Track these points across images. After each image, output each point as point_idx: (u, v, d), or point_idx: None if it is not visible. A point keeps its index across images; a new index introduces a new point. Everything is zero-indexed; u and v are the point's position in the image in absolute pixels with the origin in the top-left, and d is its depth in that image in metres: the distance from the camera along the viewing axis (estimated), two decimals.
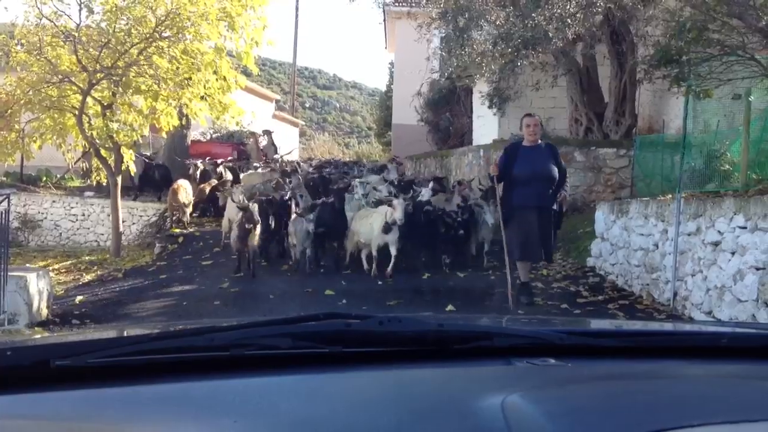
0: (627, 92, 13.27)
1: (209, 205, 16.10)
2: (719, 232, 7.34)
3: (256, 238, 10.61)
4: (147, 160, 17.41)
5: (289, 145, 26.76)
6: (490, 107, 16.80)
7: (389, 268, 10.04)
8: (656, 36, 10.44)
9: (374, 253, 10.27)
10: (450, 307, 8.14)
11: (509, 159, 8.13)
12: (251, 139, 21.26)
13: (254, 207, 10.35)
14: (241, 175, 16.42)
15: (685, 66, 7.90)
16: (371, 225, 10.20)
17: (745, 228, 6.91)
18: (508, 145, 8.89)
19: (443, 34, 17.01)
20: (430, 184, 12.46)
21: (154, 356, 1.43)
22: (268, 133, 21.61)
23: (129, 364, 1.41)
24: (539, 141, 8.28)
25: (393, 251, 10.04)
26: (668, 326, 2.38)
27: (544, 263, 9.44)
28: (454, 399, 1.25)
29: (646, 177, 10.91)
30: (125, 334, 1.87)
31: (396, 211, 9.62)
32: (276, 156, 19.96)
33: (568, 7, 11.11)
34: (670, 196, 8.86)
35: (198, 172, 16.55)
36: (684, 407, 1.17)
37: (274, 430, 1.13)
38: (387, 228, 9.81)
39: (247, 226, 10.21)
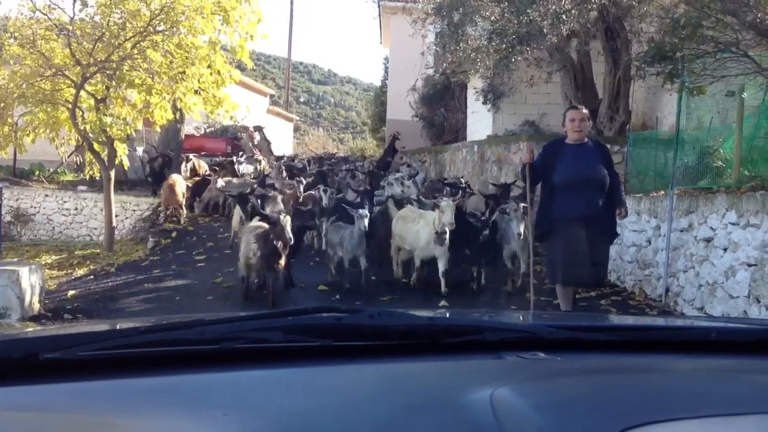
0: (621, 89, 13.28)
1: (193, 201, 16.12)
2: (711, 228, 7.37)
3: (283, 259, 8.56)
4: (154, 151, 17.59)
5: (282, 140, 26.75)
6: (484, 103, 16.81)
7: (443, 286, 8.65)
8: (650, 33, 10.47)
9: (417, 264, 9.11)
10: (443, 303, 8.16)
11: (548, 160, 6.59)
12: (245, 134, 21.25)
13: (287, 221, 8.26)
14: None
15: (678, 63, 7.91)
16: (417, 232, 8.89)
17: (737, 224, 6.94)
18: (547, 143, 7.16)
19: (438, 30, 17.01)
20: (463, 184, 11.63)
21: (143, 349, 1.43)
22: (259, 129, 21.62)
23: (118, 357, 1.41)
24: (586, 139, 6.76)
25: (442, 266, 8.68)
26: (658, 321, 2.39)
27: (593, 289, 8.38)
28: (443, 392, 1.25)
29: (639, 173, 10.91)
30: (115, 327, 1.87)
31: (444, 215, 8.25)
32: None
33: (563, 3, 11.10)
34: (663, 192, 8.88)
35: (188, 167, 16.55)
36: (672, 401, 1.17)
37: (264, 423, 1.13)
38: (439, 238, 8.41)
39: (275, 243, 8.22)
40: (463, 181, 12.85)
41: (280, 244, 8.17)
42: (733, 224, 7.02)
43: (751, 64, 7.49)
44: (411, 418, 1.14)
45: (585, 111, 6.89)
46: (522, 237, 7.99)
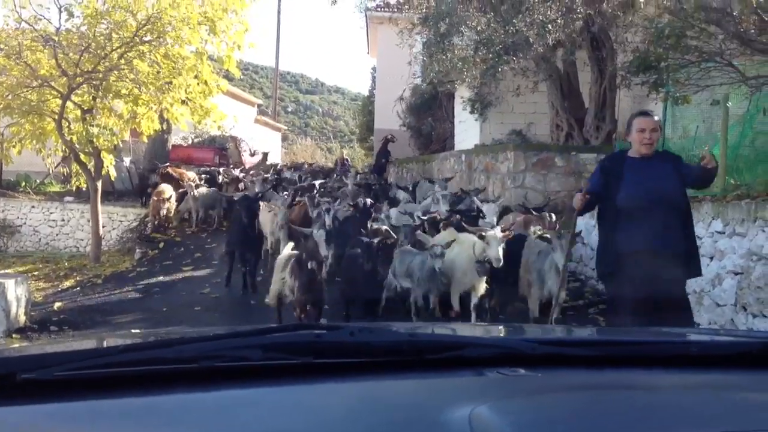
0: (607, 98, 13.34)
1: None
2: (698, 236, 7.38)
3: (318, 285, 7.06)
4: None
5: (270, 150, 26.71)
6: (471, 112, 16.84)
7: (473, 319, 7.39)
8: (635, 42, 10.52)
9: (455, 302, 7.60)
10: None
11: (608, 179, 5.32)
12: (231, 144, 21.23)
13: (320, 236, 7.27)
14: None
15: (663, 72, 7.96)
16: (453, 261, 7.36)
17: (723, 233, 6.97)
18: (604, 159, 5.89)
19: (425, 40, 17.03)
20: (499, 201, 10.28)
21: (121, 369, 1.41)
22: (234, 139, 21.71)
23: (96, 377, 1.40)
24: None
25: (476, 298, 7.44)
26: (641, 334, 2.38)
27: None
28: (423, 410, 1.24)
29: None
30: (95, 345, 1.86)
31: (491, 248, 6.87)
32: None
33: (549, 13, 11.16)
34: None
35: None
36: (652, 418, 1.17)
37: None
38: (483, 269, 7.06)
39: (310, 266, 6.66)
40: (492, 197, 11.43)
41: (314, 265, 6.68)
42: (719, 233, 7.05)
43: (736, 73, 7.54)
44: None
45: (657, 118, 5.54)
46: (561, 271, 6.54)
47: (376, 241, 7.71)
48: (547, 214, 8.97)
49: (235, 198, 10.79)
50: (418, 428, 1.16)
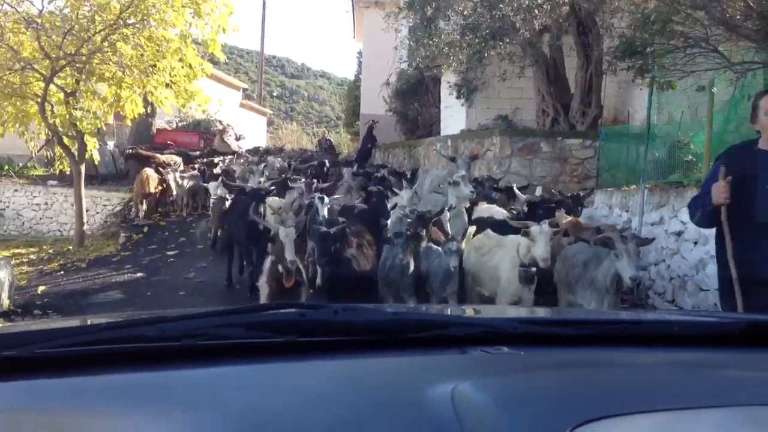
0: (593, 83, 13.36)
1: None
2: (682, 222, 7.43)
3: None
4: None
5: (256, 134, 26.60)
6: (458, 98, 16.83)
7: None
8: (622, 28, 10.51)
9: None
10: None
11: (735, 176, 4.01)
12: (218, 137, 21.17)
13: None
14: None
15: (649, 58, 7.96)
16: (495, 268, 6.30)
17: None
18: (729, 150, 4.51)
19: (411, 24, 16.98)
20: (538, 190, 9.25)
21: (103, 346, 1.40)
22: (221, 129, 21.59)
23: (78, 355, 1.38)
24: None
25: None
26: (623, 315, 2.40)
27: None
28: (406, 388, 1.24)
29: (611, 168, 11.01)
30: (76, 324, 1.84)
31: (538, 247, 5.69)
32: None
33: None
34: (635, 186, 8.96)
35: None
36: (630, 395, 1.17)
37: (224, 421, 1.11)
38: (527, 275, 5.86)
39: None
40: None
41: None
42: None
43: (721, 59, 7.55)
44: (373, 414, 1.13)
45: None
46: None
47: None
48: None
49: (246, 190, 9.23)
50: (400, 405, 1.15)
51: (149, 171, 14.98)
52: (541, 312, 2.95)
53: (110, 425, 1.12)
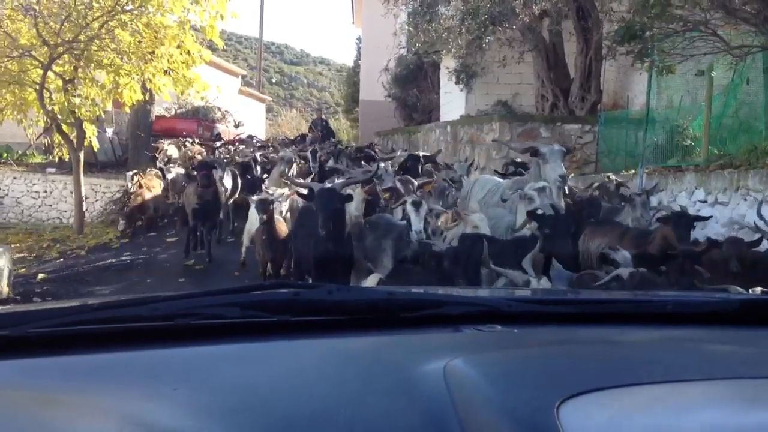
0: (592, 68, 13.34)
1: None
2: (680, 206, 7.43)
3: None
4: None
5: (255, 121, 26.53)
6: (457, 83, 16.80)
7: None
8: (621, 12, 10.49)
9: None
10: None
11: None
12: (224, 117, 21.10)
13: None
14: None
15: (648, 42, 7.95)
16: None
17: (705, 202, 7.02)
18: None
19: (410, 10, 16.94)
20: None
21: (95, 326, 1.40)
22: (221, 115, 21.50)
23: (70, 334, 1.39)
24: None
25: None
26: (618, 294, 2.40)
27: None
28: (399, 365, 1.24)
29: (610, 153, 11.01)
30: (70, 305, 1.84)
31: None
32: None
33: None
34: (633, 171, 8.95)
35: (164, 157, 15.06)
36: (619, 369, 1.18)
37: (214, 397, 1.12)
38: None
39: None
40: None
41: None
42: (701, 202, 7.10)
43: (720, 42, 7.54)
44: (364, 392, 1.14)
45: None
46: None
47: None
48: None
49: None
50: (393, 381, 1.16)
51: (153, 180, 13.91)
52: (538, 292, 2.95)
53: (100, 403, 1.12)
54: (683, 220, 5.67)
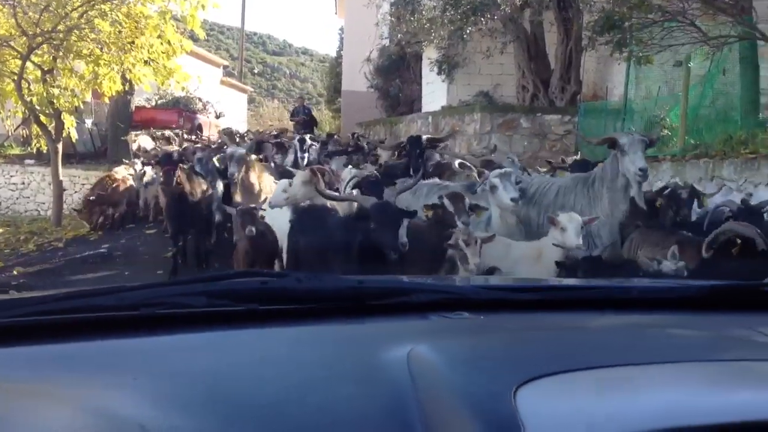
0: (573, 59, 13.39)
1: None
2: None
3: None
4: None
5: (236, 112, 26.39)
6: (439, 74, 16.81)
7: None
8: (601, 2, 10.53)
9: None
10: None
11: None
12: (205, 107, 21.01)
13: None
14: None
15: (626, 32, 7.99)
16: None
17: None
18: None
19: (392, 0, 16.92)
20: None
21: (59, 316, 1.40)
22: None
23: (34, 324, 1.38)
24: None
25: None
26: (586, 282, 2.42)
27: None
28: (364, 351, 1.25)
29: (588, 144, 11.06)
30: (36, 295, 1.83)
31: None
32: None
33: None
34: None
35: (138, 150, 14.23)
36: (580, 352, 1.19)
37: (176, 385, 1.12)
38: None
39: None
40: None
41: None
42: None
43: (698, 33, 7.58)
44: (329, 377, 1.14)
45: None
46: None
47: None
48: None
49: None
50: (358, 368, 1.16)
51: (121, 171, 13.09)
52: (510, 281, 2.97)
53: (62, 393, 1.12)
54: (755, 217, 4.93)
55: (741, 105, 7.85)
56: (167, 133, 17.04)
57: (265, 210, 6.20)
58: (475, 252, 4.64)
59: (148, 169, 11.64)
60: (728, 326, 1.51)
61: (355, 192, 6.05)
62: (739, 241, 4.18)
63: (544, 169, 8.24)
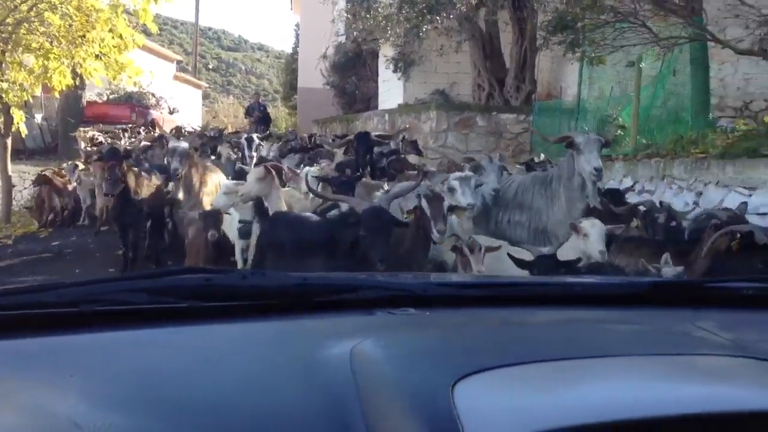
0: (527, 59, 13.52)
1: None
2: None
3: None
4: None
5: (191, 108, 26.08)
6: (395, 71, 16.84)
7: None
8: (555, 2, 10.65)
9: None
10: None
11: None
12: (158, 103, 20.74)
13: None
14: None
15: (579, 32, 8.08)
16: None
17: (633, 190, 7.18)
18: None
19: None
20: None
21: None
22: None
23: None
24: None
25: None
26: (535, 279, 2.45)
27: None
28: (307, 348, 1.24)
29: (544, 142, 11.18)
30: None
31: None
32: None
33: None
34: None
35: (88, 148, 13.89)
36: (519, 347, 1.20)
37: (113, 383, 1.10)
38: None
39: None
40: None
41: None
42: (629, 190, 7.26)
43: (649, 34, 7.71)
44: (270, 374, 1.13)
45: None
46: None
47: None
48: None
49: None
50: (300, 365, 1.16)
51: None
52: (452, 276, 2.99)
53: None
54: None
55: (691, 105, 8.01)
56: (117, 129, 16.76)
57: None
58: (478, 260, 4.56)
59: (81, 165, 11.82)
60: (669, 322, 1.53)
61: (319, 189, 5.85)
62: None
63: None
